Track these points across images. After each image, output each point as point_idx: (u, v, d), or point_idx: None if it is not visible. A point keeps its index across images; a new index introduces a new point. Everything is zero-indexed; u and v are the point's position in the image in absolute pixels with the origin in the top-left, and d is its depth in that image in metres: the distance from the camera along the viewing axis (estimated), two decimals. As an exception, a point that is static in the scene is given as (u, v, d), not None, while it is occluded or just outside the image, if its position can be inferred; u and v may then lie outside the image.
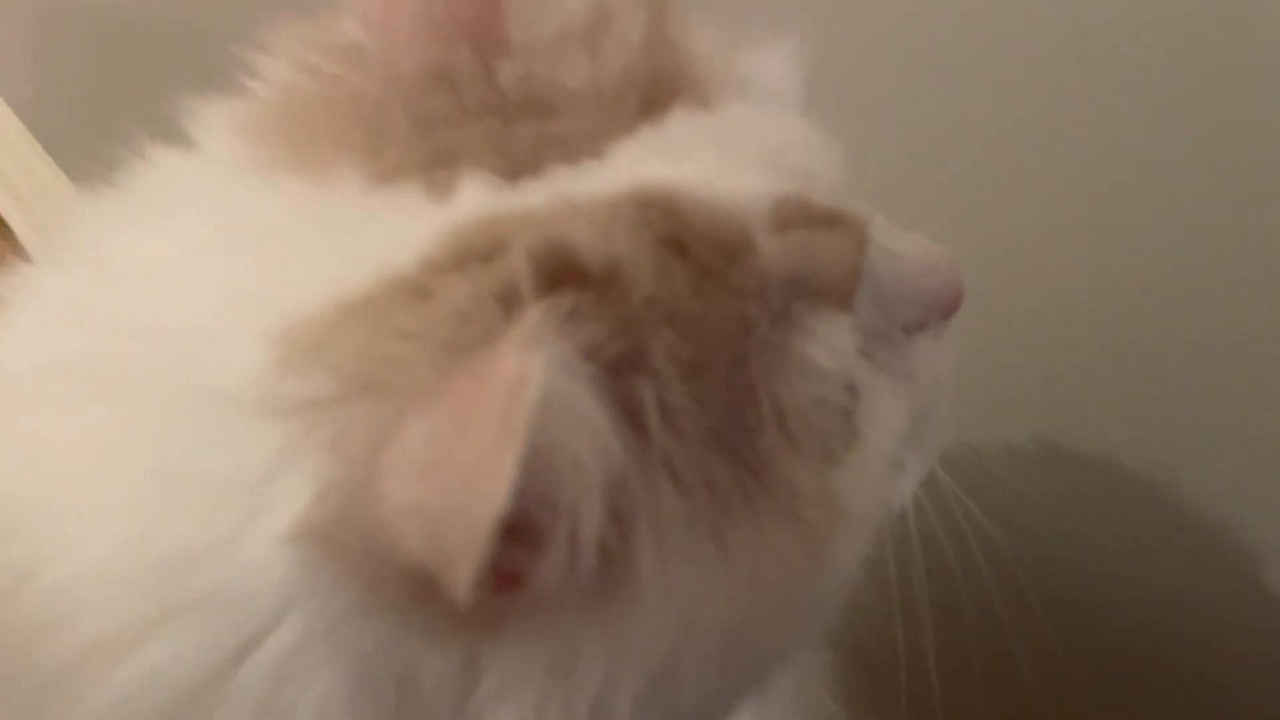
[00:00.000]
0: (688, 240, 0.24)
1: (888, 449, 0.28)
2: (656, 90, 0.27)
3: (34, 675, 0.23)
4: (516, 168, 0.25)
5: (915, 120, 0.52)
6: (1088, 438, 0.55)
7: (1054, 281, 0.52)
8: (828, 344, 0.26)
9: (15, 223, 1.29)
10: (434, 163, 0.25)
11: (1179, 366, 0.50)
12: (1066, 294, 0.52)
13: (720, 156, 0.26)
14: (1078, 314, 0.52)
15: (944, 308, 0.31)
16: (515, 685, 0.23)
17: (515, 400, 0.19)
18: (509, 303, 0.22)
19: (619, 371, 0.22)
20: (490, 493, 0.18)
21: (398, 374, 0.22)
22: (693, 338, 0.24)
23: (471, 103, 0.26)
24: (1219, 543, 0.51)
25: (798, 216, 0.26)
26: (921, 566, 0.32)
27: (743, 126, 0.28)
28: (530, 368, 0.19)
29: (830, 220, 0.27)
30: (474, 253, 0.23)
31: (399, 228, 0.24)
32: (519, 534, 0.20)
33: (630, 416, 0.23)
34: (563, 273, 0.22)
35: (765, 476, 0.25)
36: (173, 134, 0.27)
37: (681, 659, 0.24)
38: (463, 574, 0.19)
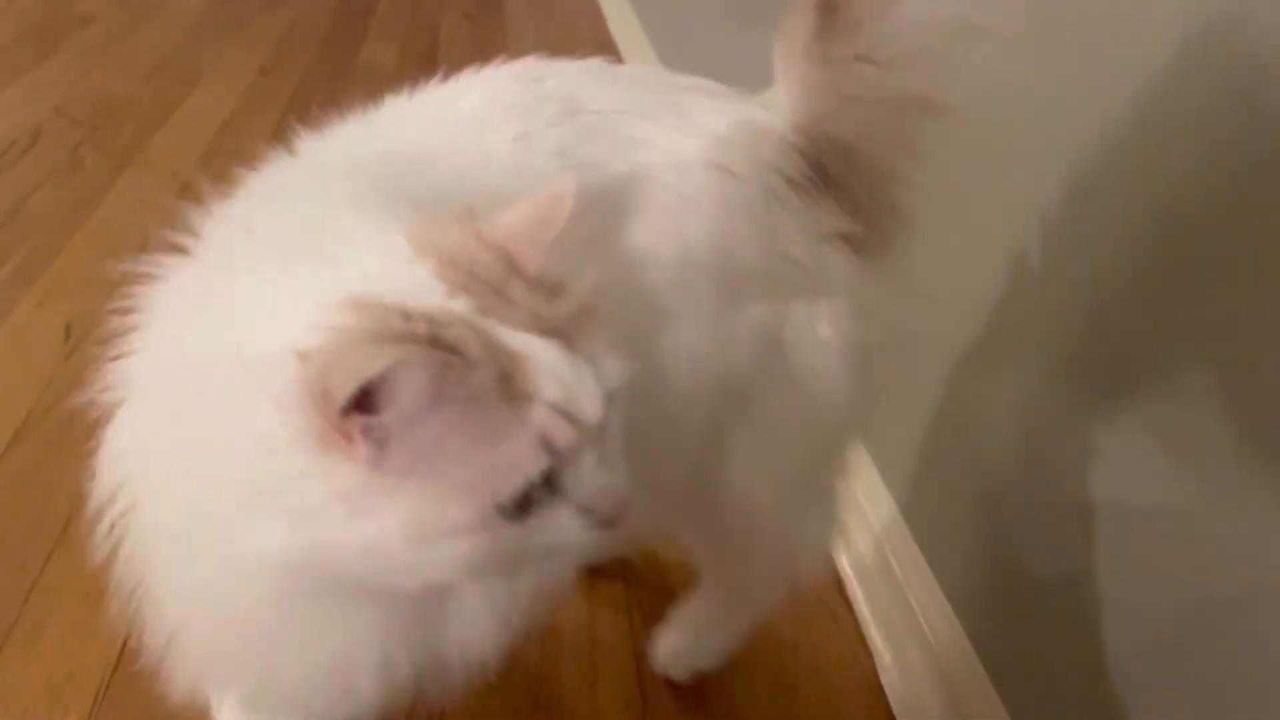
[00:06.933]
0: (513, 376, 0.50)
1: (533, 542, 0.53)
2: (555, 329, 0.53)
3: None
4: (484, 311, 0.52)
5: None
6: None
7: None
8: (537, 466, 0.51)
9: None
10: (460, 287, 0.53)
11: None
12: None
13: (555, 363, 0.52)
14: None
15: (602, 519, 0.54)
16: (324, 484, 0.49)
17: (394, 350, 0.47)
18: (433, 343, 0.48)
19: (440, 393, 0.48)
20: (368, 368, 0.46)
21: (373, 332, 0.48)
22: (484, 410, 0.50)
23: (493, 281, 0.54)
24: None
25: (562, 409, 0.51)
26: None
27: (575, 366, 0.53)
28: (408, 350, 0.47)
29: (574, 421, 0.52)
30: (439, 320, 0.49)
31: (427, 294, 0.52)
32: (357, 406, 0.47)
33: (433, 406, 0.48)
34: (455, 348, 0.49)
35: (470, 487, 0.50)
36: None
37: (384, 529, 0.50)
38: (338, 396, 0.46)
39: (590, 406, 0.53)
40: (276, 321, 0.50)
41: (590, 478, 0.53)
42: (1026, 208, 0.96)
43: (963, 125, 0.71)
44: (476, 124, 0.70)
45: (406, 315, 0.48)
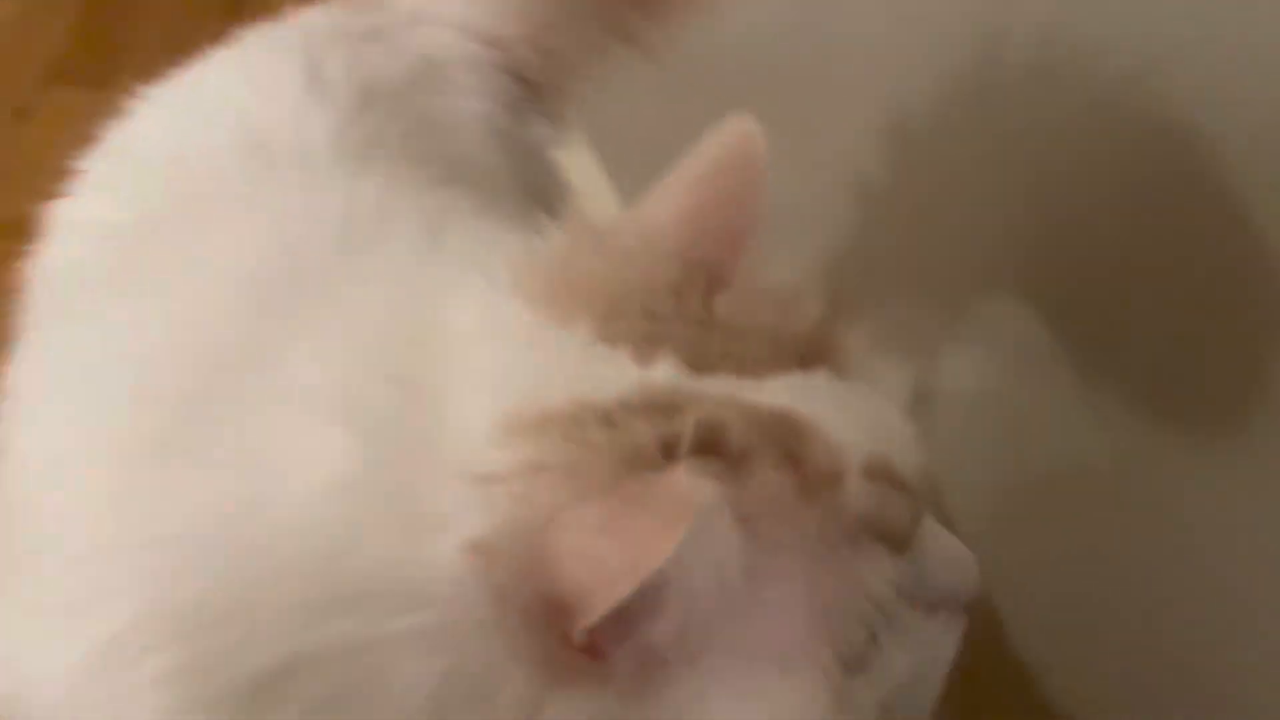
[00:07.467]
0: (801, 456, 0.32)
1: (889, 690, 0.34)
2: (813, 352, 0.36)
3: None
4: (700, 365, 0.34)
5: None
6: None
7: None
8: (878, 572, 0.33)
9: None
10: (646, 340, 0.34)
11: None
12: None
13: (840, 410, 0.35)
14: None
15: (960, 598, 0.37)
16: None
17: (684, 507, 0.27)
18: (669, 451, 0.30)
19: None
20: (652, 556, 0.26)
21: (581, 468, 0.30)
22: (784, 524, 0.32)
23: (688, 311, 0.35)
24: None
25: (883, 474, 0.34)
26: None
27: (862, 397, 0.37)
28: (701, 492, 0.28)
29: (904, 487, 0.35)
30: (657, 408, 0.32)
31: (608, 372, 0.33)
32: (624, 616, 0.28)
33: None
34: (713, 445, 0.31)
35: (803, 649, 0.32)
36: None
37: None
38: (598, 608, 0.27)
39: (910, 451, 0.36)
40: (401, 497, 0.31)
41: (935, 554, 0.36)
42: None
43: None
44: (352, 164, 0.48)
45: (607, 419, 0.31)
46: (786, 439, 0.32)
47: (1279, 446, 0.53)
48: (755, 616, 0.31)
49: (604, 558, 0.27)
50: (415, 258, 0.40)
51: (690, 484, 0.28)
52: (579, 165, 1.30)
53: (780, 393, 0.34)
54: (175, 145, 0.50)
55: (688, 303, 0.35)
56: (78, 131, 0.53)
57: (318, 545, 0.31)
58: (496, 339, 0.34)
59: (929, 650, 0.36)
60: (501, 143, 0.58)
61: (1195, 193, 0.56)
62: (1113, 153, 0.63)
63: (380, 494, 0.31)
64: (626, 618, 0.28)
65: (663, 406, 0.32)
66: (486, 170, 0.56)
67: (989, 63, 0.70)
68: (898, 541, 0.34)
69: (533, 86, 0.62)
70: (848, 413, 0.35)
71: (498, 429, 0.31)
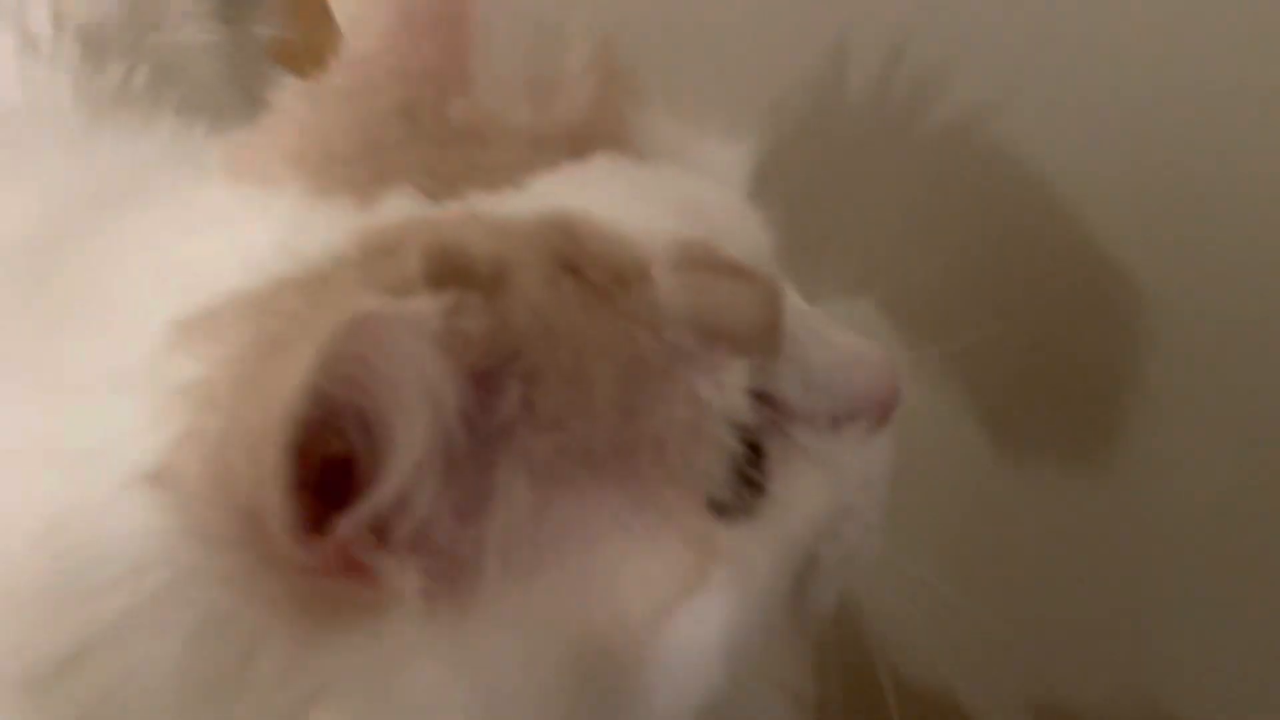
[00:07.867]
0: (580, 261, 0.25)
1: (798, 530, 0.28)
2: (590, 142, 0.29)
3: None
4: (441, 189, 0.27)
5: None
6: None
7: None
8: (715, 379, 0.26)
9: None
10: (372, 180, 0.27)
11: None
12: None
13: (632, 196, 0.27)
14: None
15: (874, 406, 0.30)
16: (335, 687, 0.22)
17: (327, 329, 0.19)
18: (399, 293, 0.22)
19: (492, 369, 0.23)
20: (286, 396, 0.19)
21: (274, 342, 0.22)
22: (575, 350, 0.24)
23: (422, 132, 0.28)
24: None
25: (702, 261, 0.27)
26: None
27: (666, 178, 0.29)
28: (358, 305, 0.20)
29: (737, 272, 0.27)
30: (378, 249, 0.24)
31: (323, 230, 0.26)
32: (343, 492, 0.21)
33: (495, 412, 0.23)
34: (452, 272, 0.23)
35: (642, 501, 0.25)
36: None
37: (525, 685, 0.23)
38: (269, 484, 0.19)
39: (746, 230, 0.28)
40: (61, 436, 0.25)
41: (821, 352, 0.29)
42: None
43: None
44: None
45: (317, 282, 0.24)
46: (557, 245, 0.25)
47: (1139, 453, 0.51)
48: (568, 473, 0.24)
49: (248, 418, 0.20)
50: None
51: (356, 304, 0.20)
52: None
53: (545, 194, 0.27)
54: None
55: (420, 123, 0.28)
56: None
57: (38, 530, 0.24)
58: (184, 233, 0.27)
59: (847, 473, 0.29)
60: (234, 71, 0.54)
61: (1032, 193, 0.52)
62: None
63: (81, 453, 0.24)
64: (346, 503, 0.21)
65: (387, 247, 0.24)
66: (234, 108, 0.52)
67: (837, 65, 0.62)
68: (746, 340, 0.27)
69: None
70: (645, 199, 0.28)
71: (178, 333, 0.24)
